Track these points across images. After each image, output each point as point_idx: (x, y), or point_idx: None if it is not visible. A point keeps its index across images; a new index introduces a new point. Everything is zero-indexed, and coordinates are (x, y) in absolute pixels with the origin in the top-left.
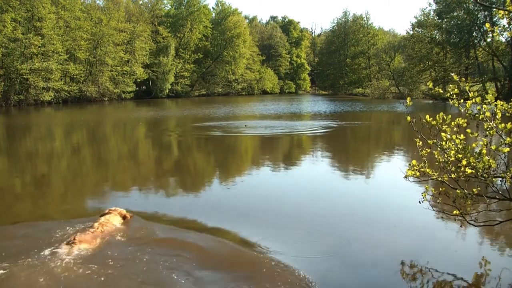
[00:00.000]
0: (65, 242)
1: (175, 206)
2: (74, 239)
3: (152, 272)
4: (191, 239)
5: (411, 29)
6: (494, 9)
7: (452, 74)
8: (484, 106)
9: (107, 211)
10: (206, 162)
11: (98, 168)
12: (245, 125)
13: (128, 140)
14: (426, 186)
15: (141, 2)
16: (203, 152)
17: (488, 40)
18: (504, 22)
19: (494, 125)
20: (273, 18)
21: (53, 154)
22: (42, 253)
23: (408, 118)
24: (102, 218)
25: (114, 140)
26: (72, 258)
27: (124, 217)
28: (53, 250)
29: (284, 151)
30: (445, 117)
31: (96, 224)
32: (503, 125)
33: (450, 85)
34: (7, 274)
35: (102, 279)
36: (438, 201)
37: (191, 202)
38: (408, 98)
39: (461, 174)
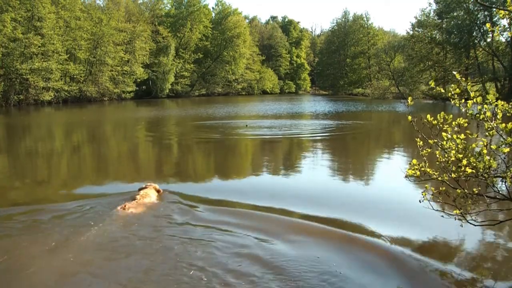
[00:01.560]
0: (119, 207)
1: (191, 186)
2: (125, 206)
3: (181, 226)
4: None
5: (411, 29)
6: (494, 9)
7: (454, 73)
8: (485, 106)
9: (144, 186)
10: (213, 158)
11: (116, 159)
12: (246, 125)
13: (135, 138)
14: (426, 185)
15: (140, 2)
16: (211, 149)
17: (488, 40)
18: (504, 22)
19: (495, 125)
20: (273, 18)
21: (72, 149)
22: (111, 211)
23: (409, 117)
24: (142, 192)
25: (121, 137)
26: (126, 219)
27: (158, 191)
28: (113, 213)
29: (291, 151)
30: (446, 116)
31: (138, 196)
32: (503, 125)
33: (452, 85)
34: (89, 227)
35: (147, 234)
36: (438, 200)
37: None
38: (410, 98)
39: (461, 174)
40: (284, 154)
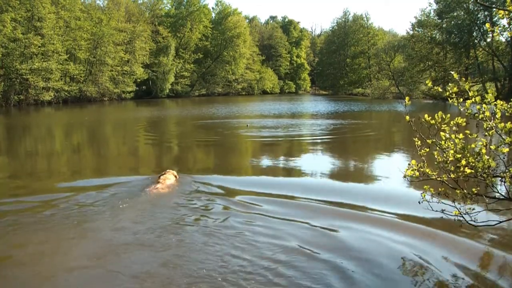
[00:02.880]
0: (150, 188)
1: (201, 172)
2: (154, 187)
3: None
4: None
5: (411, 29)
6: (494, 9)
7: (452, 73)
8: (484, 105)
9: (164, 172)
10: (218, 153)
11: (127, 153)
12: (247, 125)
13: (142, 136)
14: (426, 186)
15: (141, 2)
16: (214, 145)
17: (488, 40)
18: (504, 22)
19: (494, 125)
20: (273, 18)
21: (91, 145)
22: (140, 192)
23: (407, 117)
24: (163, 176)
25: (129, 135)
26: (155, 195)
27: (175, 176)
28: (145, 191)
29: (297, 149)
30: (444, 116)
31: (160, 179)
32: (502, 124)
33: (450, 84)
34: (126, 201)
35: (173, 206)
36: (437, 201)
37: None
38: (407, 98)
39: (460, 174)
40: (290, 154)
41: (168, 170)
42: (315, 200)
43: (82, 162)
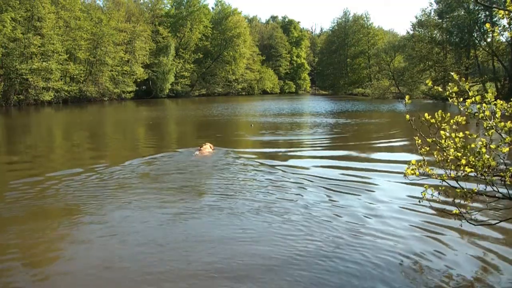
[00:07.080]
0: (196, 153)
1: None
2: (198, 153)
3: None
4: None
5: (412, 28)
6: (495, 9)
7: (452, 74)
8: (484, 105)
9: (203, 144)
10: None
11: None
12: (251, 125)
13: (159, 132)
14: (426, 185)
15: (141, 2)
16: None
17: (489, 40)
18: (504, 22)
19: (494, 124)
20: (273, 18)
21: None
22: (189, 155)
23: (407, 116)
24: (202, 147)
25: (150, 127)
26: (200, 158)
27: (211, 147)
28: (193, 155)
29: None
30: (444, 115)
31: (201, 148)
32: (502, 123)
33: (450, 84)
34: (179, 160)
35: (215, 166)
36: (437, 200)
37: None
38: (407, 97)
39: (460, 173)
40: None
41: (206, 142)
42: None
43: (136, 145)
